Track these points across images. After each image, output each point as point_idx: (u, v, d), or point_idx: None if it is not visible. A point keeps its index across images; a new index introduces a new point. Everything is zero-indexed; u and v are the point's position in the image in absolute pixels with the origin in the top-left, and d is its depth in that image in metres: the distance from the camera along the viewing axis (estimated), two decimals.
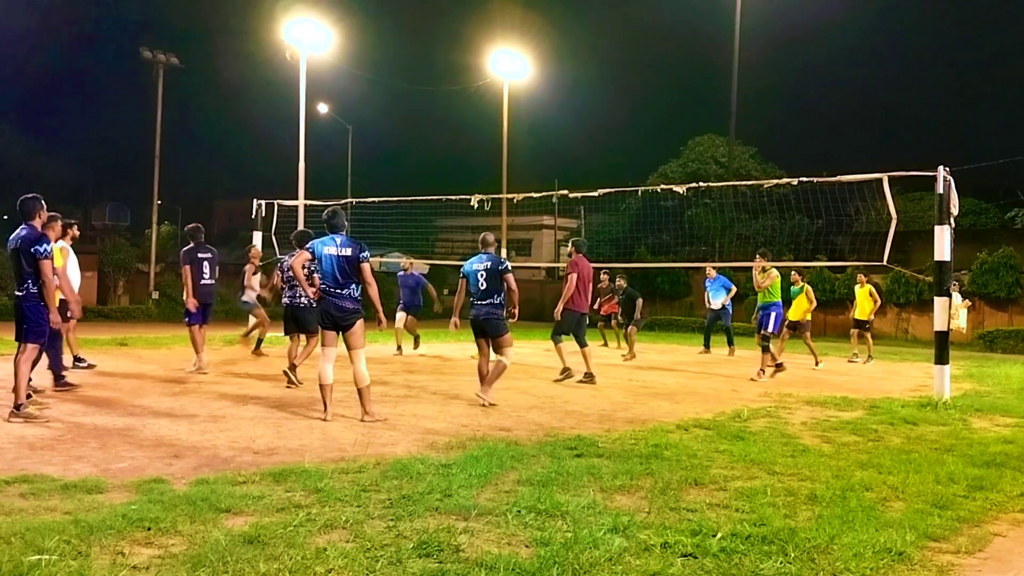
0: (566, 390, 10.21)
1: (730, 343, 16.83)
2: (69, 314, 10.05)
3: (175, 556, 3.70)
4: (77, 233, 10.69)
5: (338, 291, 7.40)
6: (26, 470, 5.19)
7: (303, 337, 10.16)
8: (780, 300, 12.38)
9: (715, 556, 3.90)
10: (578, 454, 6.11)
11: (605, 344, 17.87)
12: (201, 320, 11.08)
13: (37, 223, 7.25)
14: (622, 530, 4.23)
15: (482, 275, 8.62)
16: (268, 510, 4.45)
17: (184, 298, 10.96)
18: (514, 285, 8.80)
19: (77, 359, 10.80)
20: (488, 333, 8.71)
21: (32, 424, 6.84)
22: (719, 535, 4.17)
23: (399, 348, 14.99)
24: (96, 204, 37.51)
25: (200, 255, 11.07)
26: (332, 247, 7.43)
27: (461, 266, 9.02)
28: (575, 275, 10.85)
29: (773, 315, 12.17)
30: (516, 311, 9.16)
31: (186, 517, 4.24)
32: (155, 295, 27.33)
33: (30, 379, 7.49)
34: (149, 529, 4.04)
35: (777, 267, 12.65)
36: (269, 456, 5.89)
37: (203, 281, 11.03)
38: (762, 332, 12.19)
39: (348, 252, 7.41)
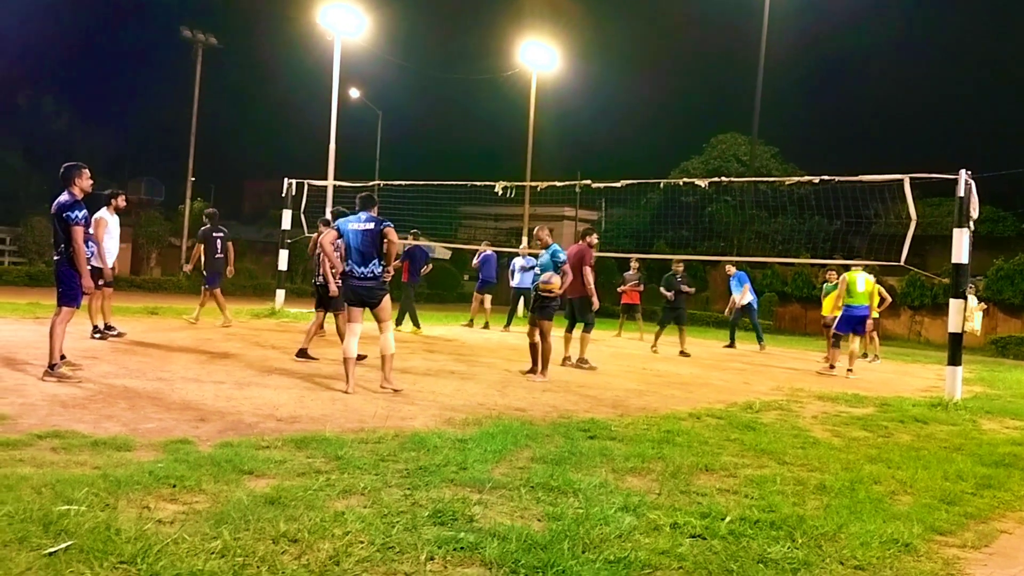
0: (581, 375, 10.32)
1: (759, 339, 16.93)
2: (100, 282, 10.30)
3: (199, 512, 3.83)
4: (123, 203, 10.88)
5: (362, 269, 7.63)
6: (58, 426, 5.35)
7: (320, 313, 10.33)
8: (857, 304, 12.48)
9: (723, 538, 3.99)
10: (591, 436, 6.22)
11: (619, 334, 17.95)
12: (217, 284, 13.43)
13: (76, 190, 7.39)
14: (632, 509, 4.33)
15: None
16: (289, 474, 4.58)
17: (202, 267, 13.43)
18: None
19: (107, 327, 10.84)
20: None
21: (65, 384, 7.01)
22: (728, 518, 4.26)
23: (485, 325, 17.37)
24: (133, 178, 37.89)
25: (214, 234, 13.38)
26: (356, 223, 7.72)
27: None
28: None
29: (843, 317, 12.49)
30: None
31: (210, 477, 4.38)
32: (186, 268, 27.86)
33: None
34: (174, 486, 4.18)
35: (795, 263, 12.80)
36: (291, 424, 6.03)
37: (216, 255, 13.28)
38: (833, 332, 12.84)
39: (371, 226, 7.67)
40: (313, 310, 10.54)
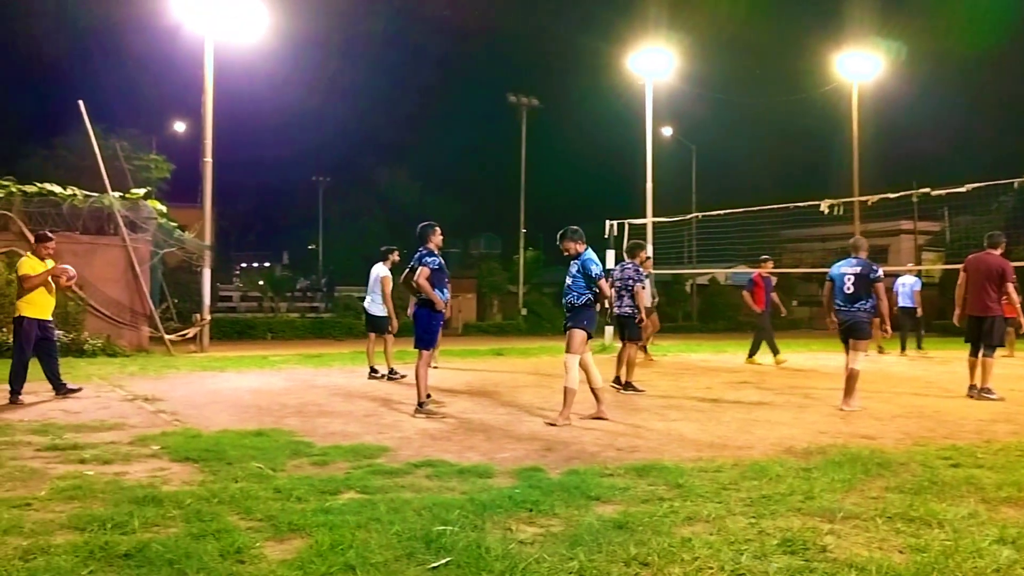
0: (935, 400, 9.45)
1: None
2: (389, 328, 11.53)
3: (555, 535, 4.09)
4: (396, 258, 11.92)
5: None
6: (430, 456, 6.02)
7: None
8: None
9: None
10: (954, 464, 5.69)
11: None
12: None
13: (431, 245, 8.38)
14: (1011, 542, 3.92)
15: (849, 279, 8.61)
16: (634, 500, 4.74)
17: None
18: (883, 295, 8.69)
19: (391, 371, 11.66)
20: (851, 335, 8.68)
21: (432, 419, 7.89)
22: None
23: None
24: (473, 235, 41.91)
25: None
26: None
27: (812, 274, 9.05)
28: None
29: None
30: (888, 327, 9.08)
31: (561, 502, 4.66)
32: (524, 312, 30.54)
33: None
34: (531, 510, 4.50)
35: None
36: (631, 453, 6.23)
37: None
38: None
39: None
40: (619, 342, 10.88)
